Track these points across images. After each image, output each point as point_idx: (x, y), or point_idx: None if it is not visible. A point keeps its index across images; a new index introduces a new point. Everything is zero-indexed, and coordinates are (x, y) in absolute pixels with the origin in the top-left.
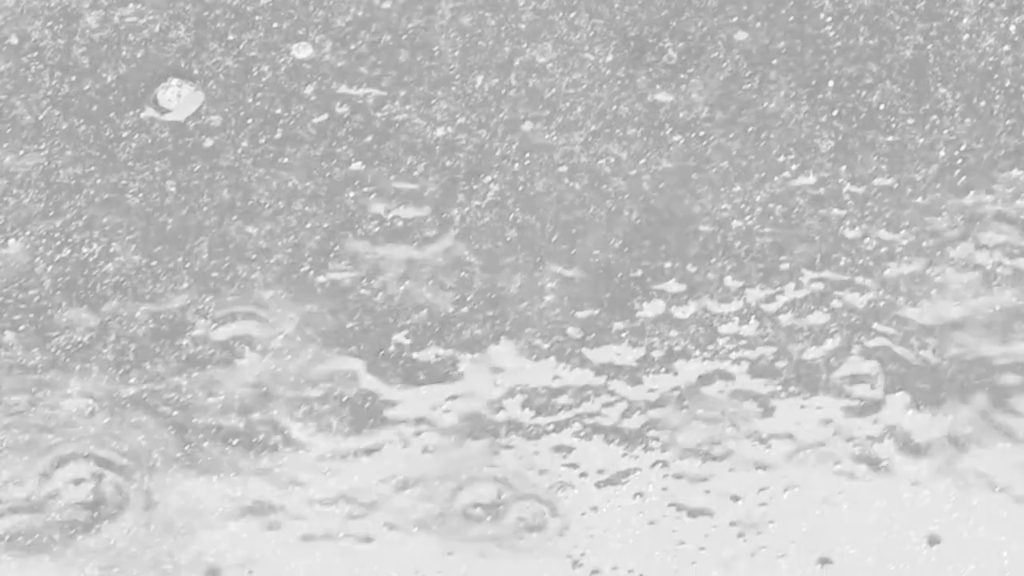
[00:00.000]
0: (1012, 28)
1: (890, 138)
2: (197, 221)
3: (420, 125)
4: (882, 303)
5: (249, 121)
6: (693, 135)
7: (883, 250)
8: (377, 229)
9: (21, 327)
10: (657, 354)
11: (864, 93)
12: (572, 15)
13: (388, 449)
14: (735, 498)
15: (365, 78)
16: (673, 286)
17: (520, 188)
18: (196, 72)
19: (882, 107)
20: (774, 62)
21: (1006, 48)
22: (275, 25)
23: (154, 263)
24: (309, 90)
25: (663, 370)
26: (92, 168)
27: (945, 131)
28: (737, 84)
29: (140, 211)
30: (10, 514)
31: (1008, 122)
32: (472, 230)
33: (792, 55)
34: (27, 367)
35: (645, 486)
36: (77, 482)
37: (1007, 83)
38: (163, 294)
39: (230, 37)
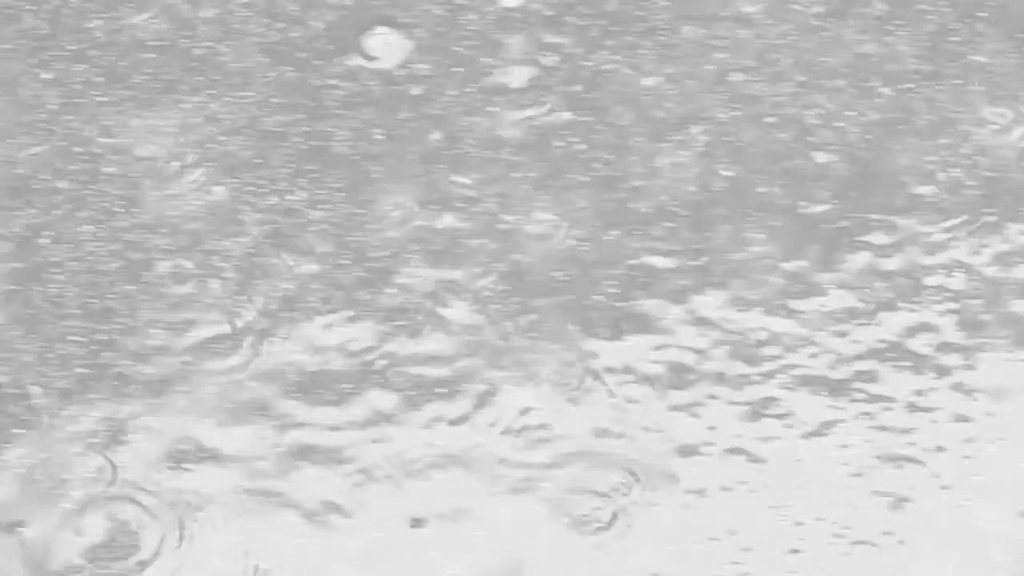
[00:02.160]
0: None
1: None
2: (404, 169)
3: (628, 75)
4: None
5: (457, 69)
6: (900, 87)
7: None
8: (584, 179)
9: (227, 275)
10: (863, 306)
11: None
12: None
13: (593, 399)
14: (940, 450)
15: (573, 27)
16: (879, 238)
17: (728, 139)
18: (404, 20)
19: None
20: (982, 14)
21: None
22: None
23: (361, 211)
24: (517, 39)
25: (869, 322)
26: (299, 116)
27: None
28: (944, 36)
29: (347, 159)
30: (211, 464)
31: None
32: (679, 180)
33: (1000, 6)
34: (233, 314)
35: (850, 438)
36: (278, 429)
37: None
38: (369, 243)
39: None
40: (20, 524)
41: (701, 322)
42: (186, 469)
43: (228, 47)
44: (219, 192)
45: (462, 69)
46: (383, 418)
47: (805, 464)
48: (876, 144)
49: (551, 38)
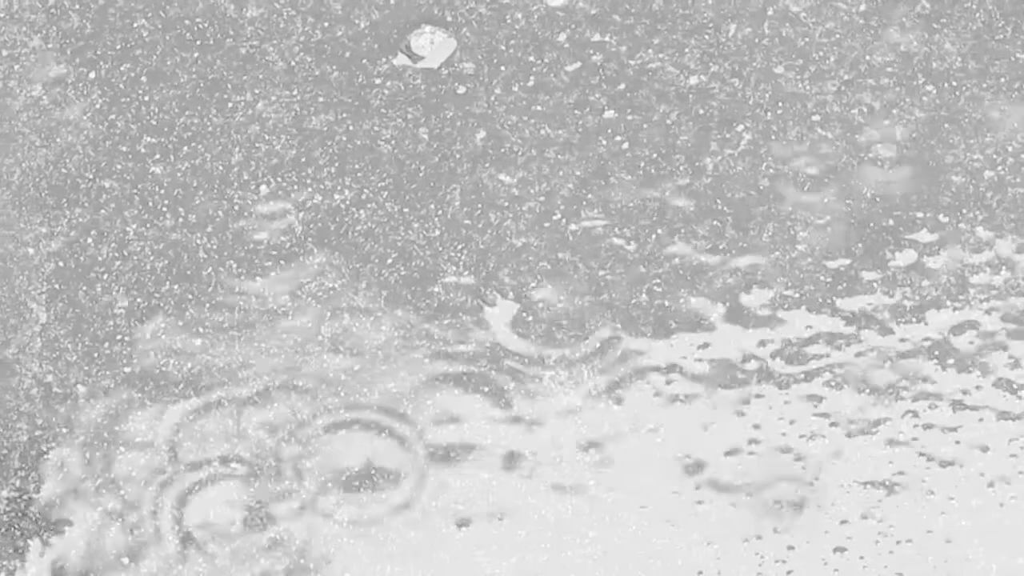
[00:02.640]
0: None
1: None
2: (449, 168)
3: (673, 73)
4: None
5: (502, 68)
6: (946, 85)
7: None
8: (629, 177)
9: (272, 273)
10: (908, 303)
11: None
12: None
13: (639, 397)
14: (984, 448)
15: (618, 26)
16: (925, 236)
17: (773, 137)
18: (449, 19)
19: None
20: None
21: None
22: None
23: (406, 210)
24: (562, 37)
25: (914, 319)
26: (344, 115)
27: None
28: (990, 34)
29: (392, 158)
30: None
31: None
32: (724, 179)
33: None
34: (277, 313)
35: (895, 436)
36: (326, 430)
37: None
38: (415, 241)
39: None
40: (66, 523)
41: (746, 320)
42: (232, 470)
43: (273, 46)
44: (264, 191)
45: (507, 68)
46: (428, 417)
47: (850, 462)
48: (921, 142)
49: (596, 37)
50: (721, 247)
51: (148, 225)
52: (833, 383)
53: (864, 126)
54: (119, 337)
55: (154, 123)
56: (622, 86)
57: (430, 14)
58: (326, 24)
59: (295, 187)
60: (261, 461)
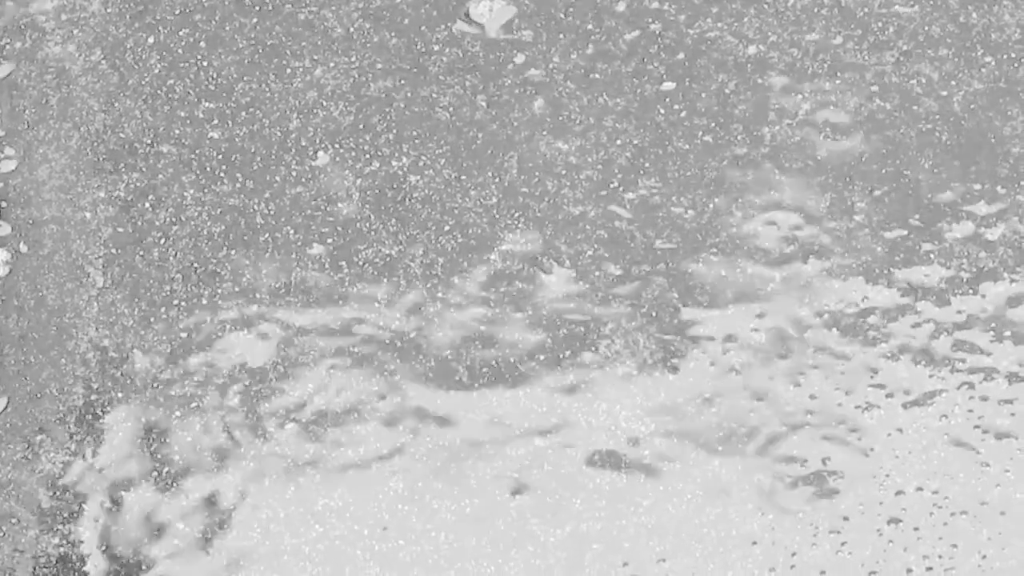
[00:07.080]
0: None
1: None
2: (507, 136)
3: (732, 42)
4: None
5: (561, 36)
6: (1004, 56)
7: None
8: (687, 147)
9: (329, 240)
10: (965, 275)
11: None
12: None
13: (694, 367)
14: None
15: None
16: (982, 208)
17: (831, 107)
18: None
19: None
20: None
21: None
22: None
23: (463, 177)
24: (621, 6)
25: (971, 291)
26: (402, 81)
27: None
28: None
29: (450, 125)
30: (299, 428)
31: None
32: (782, 149)
33: None
34: (335, 279)
35: (951, 408)
36: (381, 397)
37: None
38: (472, 208)
39: None
40: (124, 487)
41: (803, 290)
42: (289, 431)
43: (332, 12)
44: (322, 157)
45: (566, 36)
46: (483, 385)
47: (905, 434)
48: (980, 114)
49: (655, 4)
50: (778, 217)
51: (206, 190)
52: (889, 354)
53: (922, 97)
54: (176, 302)
55: (212, 88)
56: (681, 55)
57: None
58: None
59: (353, 153)
60: (316, 427)
